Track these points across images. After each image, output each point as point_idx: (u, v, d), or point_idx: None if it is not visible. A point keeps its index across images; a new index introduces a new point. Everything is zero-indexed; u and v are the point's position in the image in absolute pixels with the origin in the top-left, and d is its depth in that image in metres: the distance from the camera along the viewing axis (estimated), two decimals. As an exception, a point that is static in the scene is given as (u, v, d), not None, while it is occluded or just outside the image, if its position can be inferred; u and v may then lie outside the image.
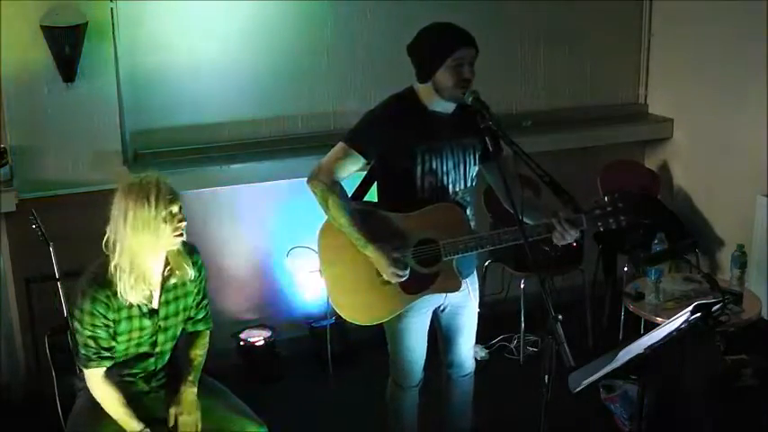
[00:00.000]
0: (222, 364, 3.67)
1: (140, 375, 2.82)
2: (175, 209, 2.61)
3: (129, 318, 2.69)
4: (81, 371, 2.77)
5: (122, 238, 2.58)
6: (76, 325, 2.66)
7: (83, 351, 2.67)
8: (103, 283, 2.62)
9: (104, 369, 2.69)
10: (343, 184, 2.91)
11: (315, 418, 3.99)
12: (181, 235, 2.64)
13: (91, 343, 2.64)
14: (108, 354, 2.68)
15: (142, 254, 2.60)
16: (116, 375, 2.75)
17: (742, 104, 4.57)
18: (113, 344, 2.69)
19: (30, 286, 3.77)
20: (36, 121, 3.87)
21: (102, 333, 2.64)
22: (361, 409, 3.98)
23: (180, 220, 2.62)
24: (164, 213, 2.57)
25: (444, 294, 3.01)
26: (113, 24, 3.94)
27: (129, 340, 2.72)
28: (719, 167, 4.77)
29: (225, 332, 4.26)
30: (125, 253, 2.58)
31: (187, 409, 2.74)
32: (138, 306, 2.68)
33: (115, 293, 2.62)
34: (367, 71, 4.47)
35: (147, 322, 2.72)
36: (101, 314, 2.61)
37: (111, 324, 2.64)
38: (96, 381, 2.69)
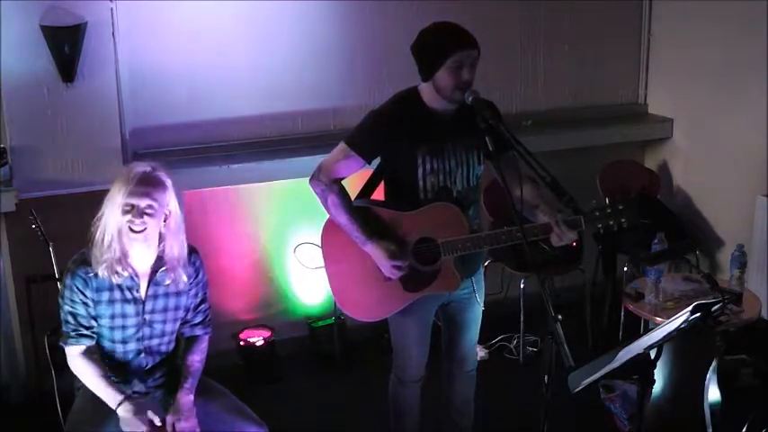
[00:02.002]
0: (222, 364, 3.67)
1: (136, 375, 2.82)
2: (135, 201, 2.62)
3: (111, 301, 2.71)
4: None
5: (102, 213, 2.67)
6: (59, 301, 2.72)
7: (63, 327, 2.72)
8: (85, 261, 2.68)
9: (83, 348, 2.72)
10: (343, 182, 2.94)
11: (315, 418, 3.99)
12: (137, 231, 2.63)
13: (70, 319, 2.70)
14: (87, 332, 2.71)
15: (111, 232, 2.63)
16: (113, 374, 2.76)
17: (742, 104, 4.57)
18: (93, 323, 2.72)
19: (30, 286, 3.77)
20: (36, 121, 3.87)
21: (80, 309, 2.69)
22: (361, 409, 3.98)
23: (136, 216, 2.62)
24: (122, 202, 2.61)
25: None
26: (113, 24, 3.93)
27: (113, 328, 2.74)
28: (719, 167, 4.77)
29: (225, 332, 4.27)
30: (100, 228, 2.65)
31: (184, 415, 2.74)
32: (121, 290, 2.70)
33: (96, 274, 2.66)
34: (367, 71, 4.47)
35: (130, 309, 2.74)
36: (78, 289, 2.67)
37: (89, 302, 2.69)
38: (74, 357, 2.73)
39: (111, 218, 2.64)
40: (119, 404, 2.68)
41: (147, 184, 2.64)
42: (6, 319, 4.04)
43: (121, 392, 2.70)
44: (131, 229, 2.63)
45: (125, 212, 2.62)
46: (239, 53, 4.27)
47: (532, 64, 4.90)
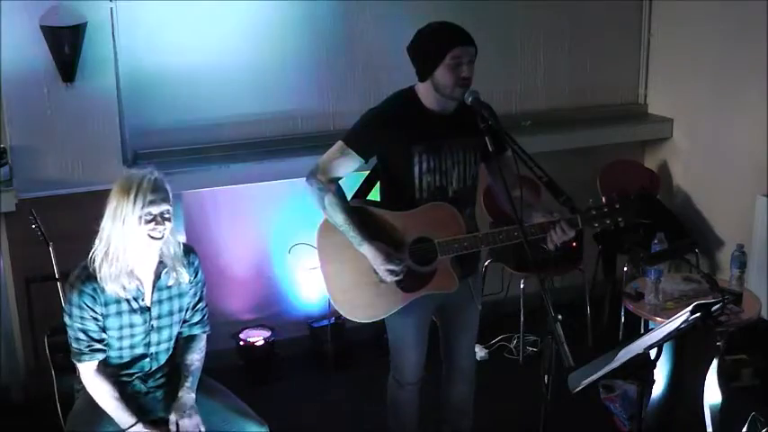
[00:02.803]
0: (222, 364, 3.67)
1: (137, 375, 2.82)
2: (155, 210, 2.60)
3: (119, 313, 2.70)
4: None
5: (105, 228, 2.62)
6: (67, 319, 2.69)
7: (74, 345, 2.69)
8: (90, 276, 2.65)
9: (97, 363, 2.70)
10: (341, 182, 2.94)
11: (315, 418, 3.99)
12: (156, 238, 2.62)
13: (82, 336, 2.67)
14: (99, 346, 2.69)
15: (120, 247, 2.61)
16: (113, 375, 2.75)
17: (742, 104, 4.57)
18: (104, 336, 2.70)
19: (30, 286, 3.77)
20: (36, 121, 3.87)
21: (91, 325, 2.66)
22: (362, 409, 3.98)
23: (159, 223, 2.60)
24: (140, 212, 2.58)
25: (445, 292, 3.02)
26: (113, 24, 3.93)
27: (121, 338, 2.73)
28: (719, 167, 4.77)
29: (225, 332, 4.27)
30: (106, 244, 2.62)
31: (187, 413, 2.73)
32: (128, 302, 2.69)
33: (102, 288, 2.64)
34: (367, 71, 4.47)
35: (137, 319, 2.73)
36: (88, 306, 2.64)
37: (99, 317, 2.67)
38: (89, 375, 2.71)
39: (121, 231, 2.59)
40: (131, 426, 2.67)
41: (161, 190, 2.63)
42: (6, 319, 4.04)
43: (133, 416, 2.69)
44: (153, 237, 2.61)
45: (147, 222, 2.59)
46: (239, 53, 4.27)
47: (532, 64, 4.90)
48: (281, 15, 4.31)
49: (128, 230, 2.59)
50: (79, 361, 2.70)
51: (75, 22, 3.78)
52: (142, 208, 2.58)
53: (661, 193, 4.96)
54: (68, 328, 2.69)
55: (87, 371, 2.71)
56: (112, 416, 2.69)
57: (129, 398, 2.74)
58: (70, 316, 2.67)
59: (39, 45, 3.76)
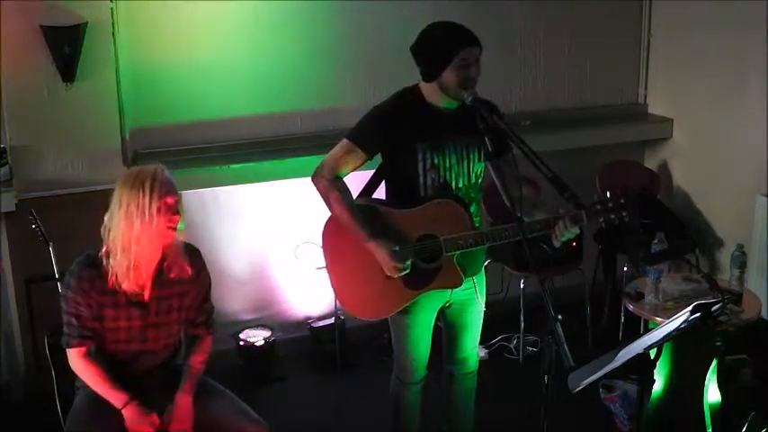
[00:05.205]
0: (222, 364, 3.67)
1: (137, 371, 2.83)
2: (170, 201, 2.62)
3: (116, 305, 2.70)
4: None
5: (116, 225, 2.61)
6: (63, 303, 2.71)
7: (66, 329, 2.72)
8: (91, 264, 2.67)
9: (84, 349, 2.72)
10: (346, 180, 2.95)
11: (315, 419, 3.99)
12: (174, 229, 2.64)
13: (73, 321, 2.69)
14: (89, 333, 2.71)
15: (134, 242, 2.61)
16: (115, 374, 2.76)
17: (742, 105, 4.57)
18: (96, 325, 2.72)
19: (30, 286, 3.77)
20: (36, 121, 3.87)
21: (84, 312, 2.68)
22: (362, 409, 3.98)
23: (174, 213, 2.63)
24: (157, 203, 2.59)
25: (450, 291, 3.02)
26: (113, 24, 3.94)
27: (117, 329, 2.74)
28: (719, 167, 4.77)
29: (225, 332, 4.26)
30: (117, 240, 2.61)
31: (179, 417, 2.74)
32: (126, 295, 2.70)
33: (101, 276, 2.65)
34: (367, 71, 4.47)
35: (135, 312, 2.73)
36: (84, 292, 2.66)
37: (93, 305, 2.68)
38: (77, 359, 2.73)
39: (137, 228, 2.59)
40: (125, 404, 2.69)
41: (172, 183, 2.66)
42: (6, 319, 4.04)
43: (126, 393, 2.70)
44: (171, 228, 2.63)
45: (166, 213, 2.60)
46: (239, 53, 4.27)
47: (532, 64, 4.90)
48: (281, 15, 4.31)
49: (146, 225, 2.58)
50: (68, 345, 2.73)
51: (75, 22, 3.78)
52: (160, 199, 2.59)
53: (661, 193, 4.96)
54: (63, 313, 2.72)
55: (74, 355, 2.73)
56: (104, 396, 2.70)
57: (133, 398, 2.74)
58: (66, 300, 2.70)
59: (39, 45, 3.76)
